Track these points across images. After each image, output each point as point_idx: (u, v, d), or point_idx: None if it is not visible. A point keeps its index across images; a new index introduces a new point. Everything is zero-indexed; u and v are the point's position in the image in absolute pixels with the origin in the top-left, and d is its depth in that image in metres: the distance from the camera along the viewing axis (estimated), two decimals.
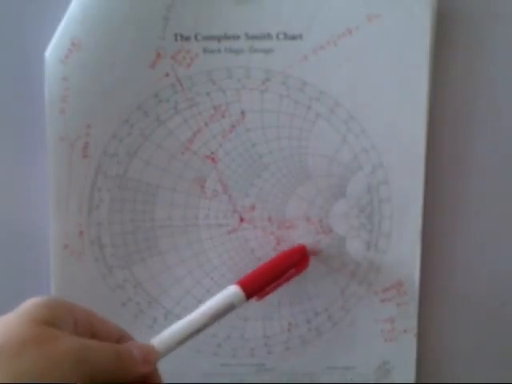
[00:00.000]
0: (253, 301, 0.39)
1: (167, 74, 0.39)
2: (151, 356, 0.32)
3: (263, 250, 0.42)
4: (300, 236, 0.42)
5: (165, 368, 0.44)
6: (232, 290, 0.37)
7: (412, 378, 0.45)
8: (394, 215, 0.42)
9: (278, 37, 0.39)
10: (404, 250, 0.43)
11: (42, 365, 0.25)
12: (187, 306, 0.42)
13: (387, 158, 0.41)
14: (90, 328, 0.30)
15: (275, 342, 0.44)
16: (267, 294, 0.40)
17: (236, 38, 0.39)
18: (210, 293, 0.42)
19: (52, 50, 0.38)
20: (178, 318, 0.43)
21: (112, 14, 0.38)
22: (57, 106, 0.39)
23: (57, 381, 0.25)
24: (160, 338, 0.33)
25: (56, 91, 0.39)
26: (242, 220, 0.42)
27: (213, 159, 0.41)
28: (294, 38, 0.39)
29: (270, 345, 0.44)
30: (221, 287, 0.42)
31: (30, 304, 0.28)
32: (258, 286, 0.39)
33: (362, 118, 0.41)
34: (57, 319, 0.28)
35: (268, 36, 0.39)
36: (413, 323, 0.44)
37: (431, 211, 0.43)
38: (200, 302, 0.43)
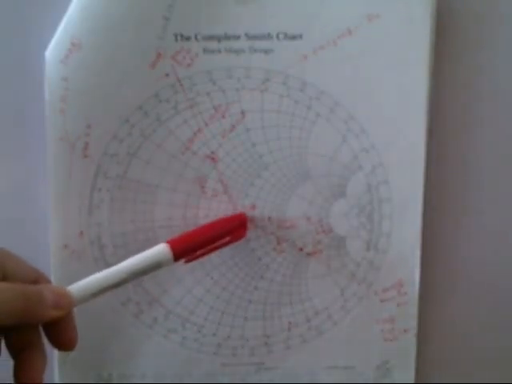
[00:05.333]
0: (181, 263, 0.37)
1: (167, 74, 0.39)
2: (64, 300, 0.31)
3: (263, 249, 0.42)
4: (300, 236, 0.42)
5: (165, 368, 0.44)
6: (160, 249, 0.36)
7: (412, 378, 0.45)
8: (394, 215, 0.42)
9: (278, 37, 0.39)
10: (404, 250, 0.43)
11: None
12: (188, 306, 0.43)
13: (387, 157, 0.41)
14: (1, 269, 0.29)
15: (275, 342, 0.44)
16: (197, 257, 0.38)
17: (236, 37, 0.39)
18: (211, 292, 0.42)
19: (52, 50, 0.38)
20: (179, 317, 0.43)
21: (112, 13, 0.38)
22: (57, 106, 0.39)
23: None
24: (77, 286, 0.32)
25: (56, 91, 0.39)
26: None
27: (213, 159, 0.41)
28: (294, 37, 0.39)
29: (270, 344, 0.44)
30: (221, 287, 0.43)
31: None
32: (188, 247, 0.37)
33: (361, 117, 0.41)
34: None
35: (268, 36, 0.39)
36: (413, 323, 0.44)
37: (431, 211, 0.43)
38: (201, 301, 0.43)
